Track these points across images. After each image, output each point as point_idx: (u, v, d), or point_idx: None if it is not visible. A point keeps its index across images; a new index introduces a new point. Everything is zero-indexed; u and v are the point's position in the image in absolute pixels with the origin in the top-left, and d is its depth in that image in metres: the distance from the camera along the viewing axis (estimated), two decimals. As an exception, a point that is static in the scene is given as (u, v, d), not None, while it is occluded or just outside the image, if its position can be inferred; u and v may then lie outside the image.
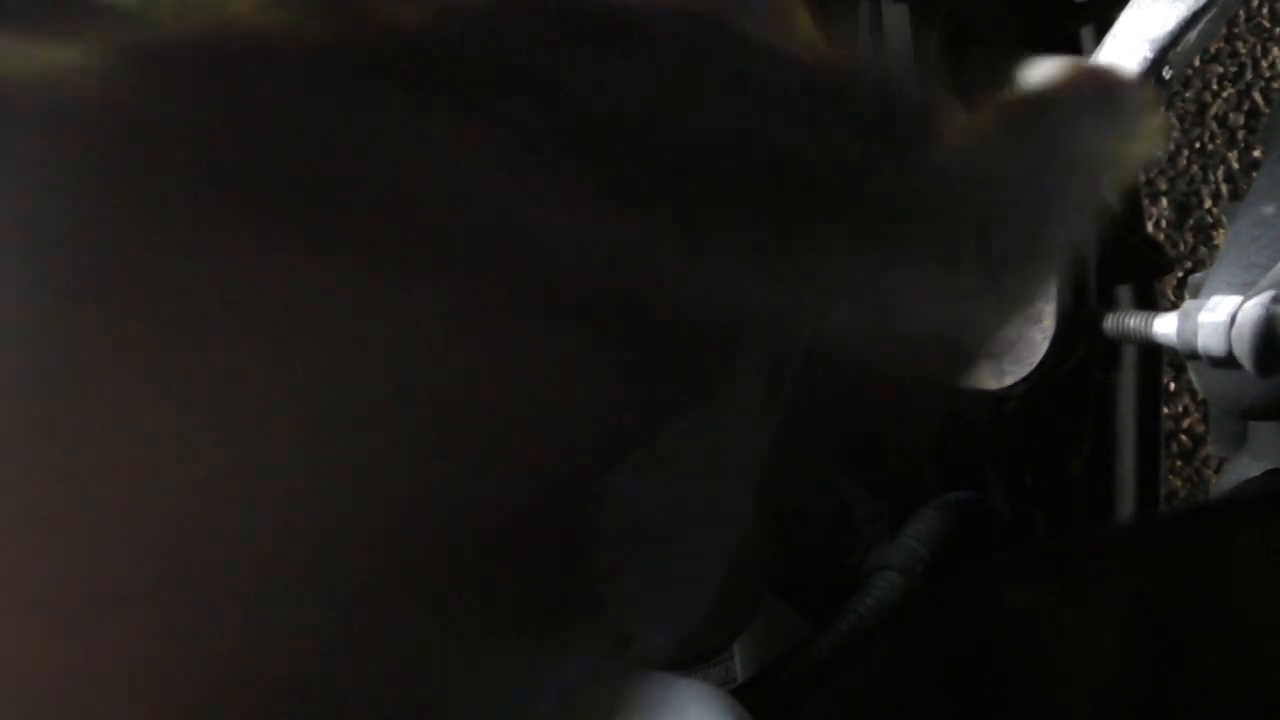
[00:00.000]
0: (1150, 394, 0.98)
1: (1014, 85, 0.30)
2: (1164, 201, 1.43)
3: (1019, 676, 0.35)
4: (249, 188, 0.20)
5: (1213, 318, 0.50)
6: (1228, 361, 0.49)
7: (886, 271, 0.26)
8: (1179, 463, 1.42)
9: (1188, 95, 1.44)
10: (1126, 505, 0.91)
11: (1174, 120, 1.43)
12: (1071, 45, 0.97)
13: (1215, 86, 1.45)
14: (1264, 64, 1.45)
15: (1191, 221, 1.43)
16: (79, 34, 0.21)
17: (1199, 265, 1.41)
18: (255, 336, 0.19)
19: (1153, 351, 0.93)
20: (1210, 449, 1.37)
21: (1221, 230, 1.40)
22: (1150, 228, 1.36)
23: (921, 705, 0.37)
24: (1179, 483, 1.41)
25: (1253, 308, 0.49)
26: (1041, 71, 0.30)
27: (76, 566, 0.16)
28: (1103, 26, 0.75)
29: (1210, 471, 1.39)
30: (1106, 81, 0.32)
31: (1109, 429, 0.98)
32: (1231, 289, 0.55)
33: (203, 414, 0.17)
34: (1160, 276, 1.01)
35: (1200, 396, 1.37)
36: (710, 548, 0.25)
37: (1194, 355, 0.51)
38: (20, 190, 0.19)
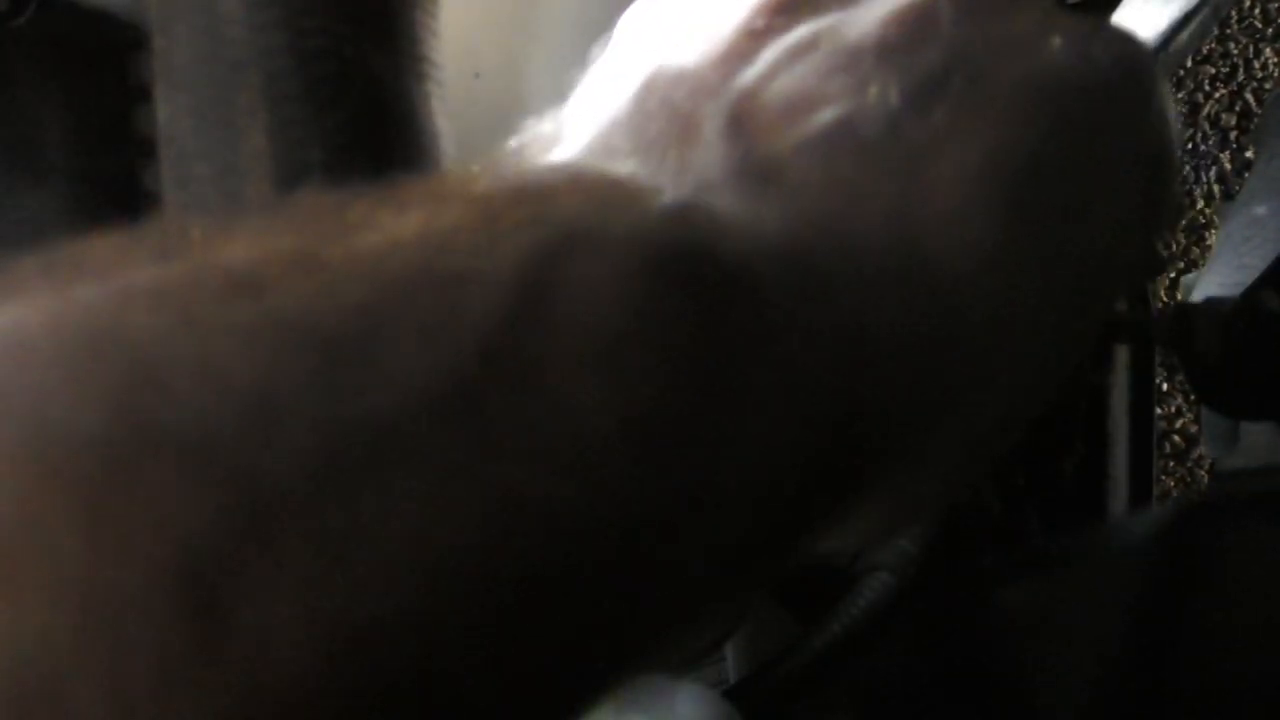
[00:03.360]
0: (1143, 394, 0.98)
1: None
2: (1156, 202, 1.43)
3: (1012, 676, 0.35)
4: None
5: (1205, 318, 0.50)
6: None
7: None
8: (1172, 463, 1.42)
9: (1180, 96, 1.44)
10: (1119, 505, 0.92)
11: (1166, 121, 1.43)
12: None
13: (1208, 87, 1.45)
14: (1256, 65, 1.45)
15: (1184, 222, 1.43)
16: None
17: (1191, 266, 1.41)
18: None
19: (1146, 352, 0.93)
20: (1203, 449, 1.38)
21: (1214, 231, 1.41)
22: (1143, 228, 1.36)
23: (915, 706, 0.37)
24: (1172, 483, 1.41)
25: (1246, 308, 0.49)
26: None
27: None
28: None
29: (1203, 472, 1.40)
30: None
31: (1102, 429, 0.98)
32: (1224, 289, 0.55)
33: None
34: (1152, 277, 1.02)
35: (1193, 397, 1.37)
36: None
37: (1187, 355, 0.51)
38: None
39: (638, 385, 0.21)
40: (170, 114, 0.30)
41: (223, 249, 0.21)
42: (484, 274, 0.21)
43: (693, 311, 0.22)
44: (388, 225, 0.21)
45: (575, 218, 0.22)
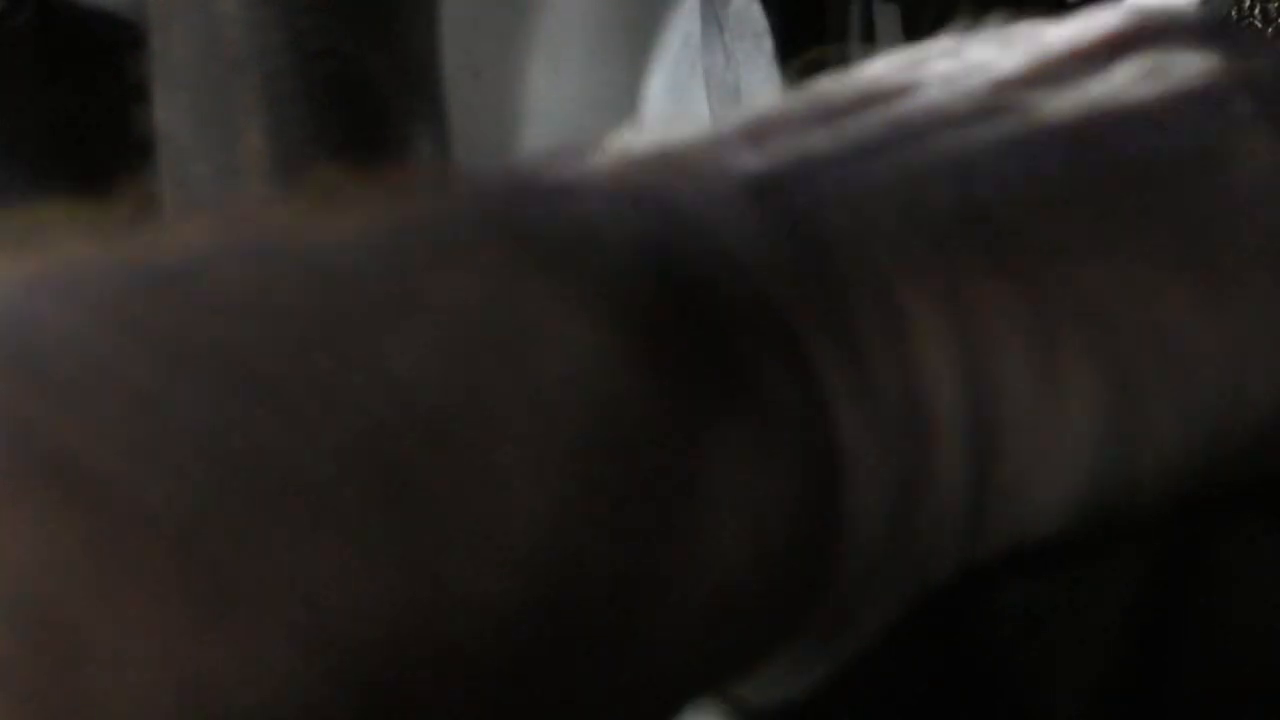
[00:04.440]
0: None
1: None
2: (1156, 202, 1.43)
3: (1012, 676, 0.35)
4: None
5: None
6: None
7: None
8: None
9: (1180, 95, 1.44)
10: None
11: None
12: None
13: (1207, 87, 1.45)
14: (1256, 64, 1.45)
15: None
16: None
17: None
18: None
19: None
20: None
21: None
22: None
23: (915, 706, 0.38)
24: (1171, 483, 1.41)
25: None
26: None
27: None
28: (1095, 26, 0.75)
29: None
30: None
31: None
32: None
33: None
34: None
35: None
36: None
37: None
38: None
39: (605, 481, 0.18)
40: (168, 113, 0.30)
41: (174, 233, 0.18)
42: (447, 306, 0.18)
43: (689, 398, 0.19)
44: (356, 218, 0.19)
45: (580, 234, 0.19)
